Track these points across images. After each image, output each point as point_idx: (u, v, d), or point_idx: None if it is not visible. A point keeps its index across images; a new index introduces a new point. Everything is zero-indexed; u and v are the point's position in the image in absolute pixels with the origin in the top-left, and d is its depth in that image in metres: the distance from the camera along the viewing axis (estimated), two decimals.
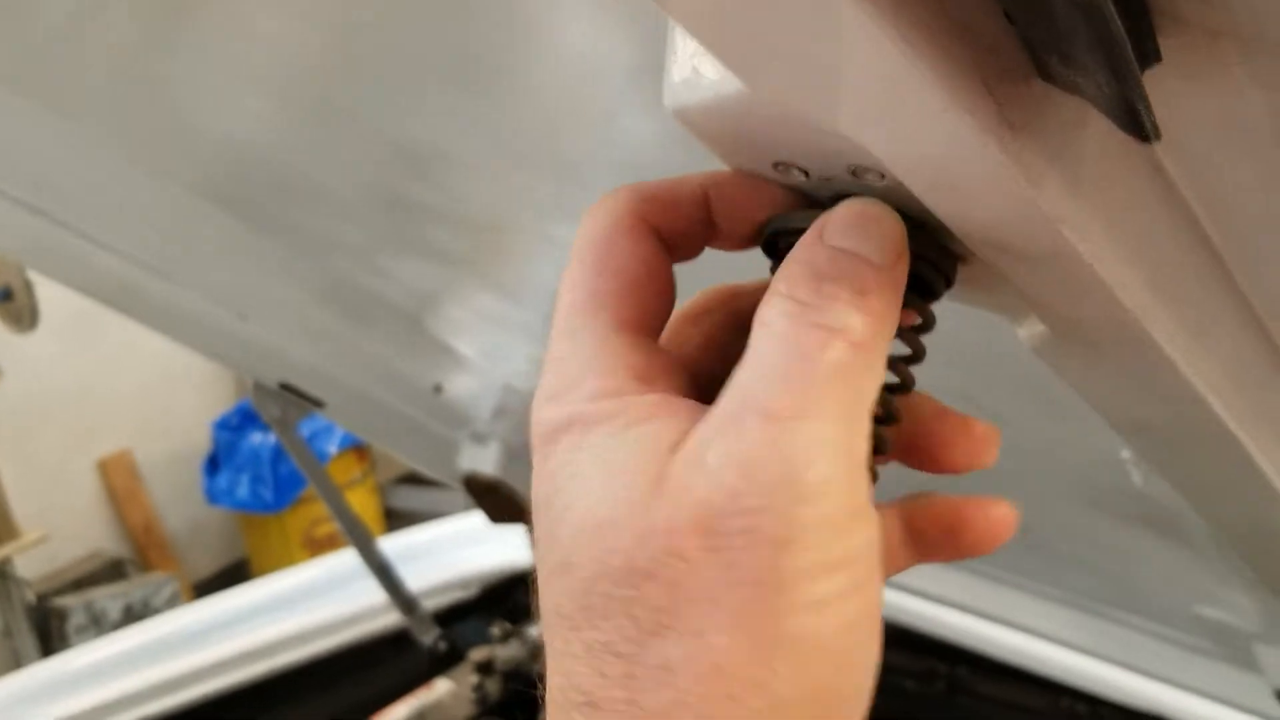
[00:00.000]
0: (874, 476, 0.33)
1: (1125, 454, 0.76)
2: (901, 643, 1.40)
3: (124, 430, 3.68)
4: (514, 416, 1.54)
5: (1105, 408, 0.39)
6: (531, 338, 1.28)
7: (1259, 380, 0.36)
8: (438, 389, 1.50)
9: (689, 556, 0.27)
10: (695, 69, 0.32)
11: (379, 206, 0.99)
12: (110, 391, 3.58)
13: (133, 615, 3.11)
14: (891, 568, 0.35)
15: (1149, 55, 0.24)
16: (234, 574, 3.82)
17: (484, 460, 1.51)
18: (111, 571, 3.44)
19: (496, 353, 1.42)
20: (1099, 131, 0.26)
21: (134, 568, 3.56)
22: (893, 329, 0.31)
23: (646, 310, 0.34)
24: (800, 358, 0.29)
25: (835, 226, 0.32)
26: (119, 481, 3.63)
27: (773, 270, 0.35)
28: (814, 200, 0.35)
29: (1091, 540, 0.95)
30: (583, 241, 0.34)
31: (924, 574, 1.30)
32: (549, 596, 0.30)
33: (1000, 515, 0.35)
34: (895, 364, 0.35)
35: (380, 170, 0.90)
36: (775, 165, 0.33)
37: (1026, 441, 0.81)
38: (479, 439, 1.57)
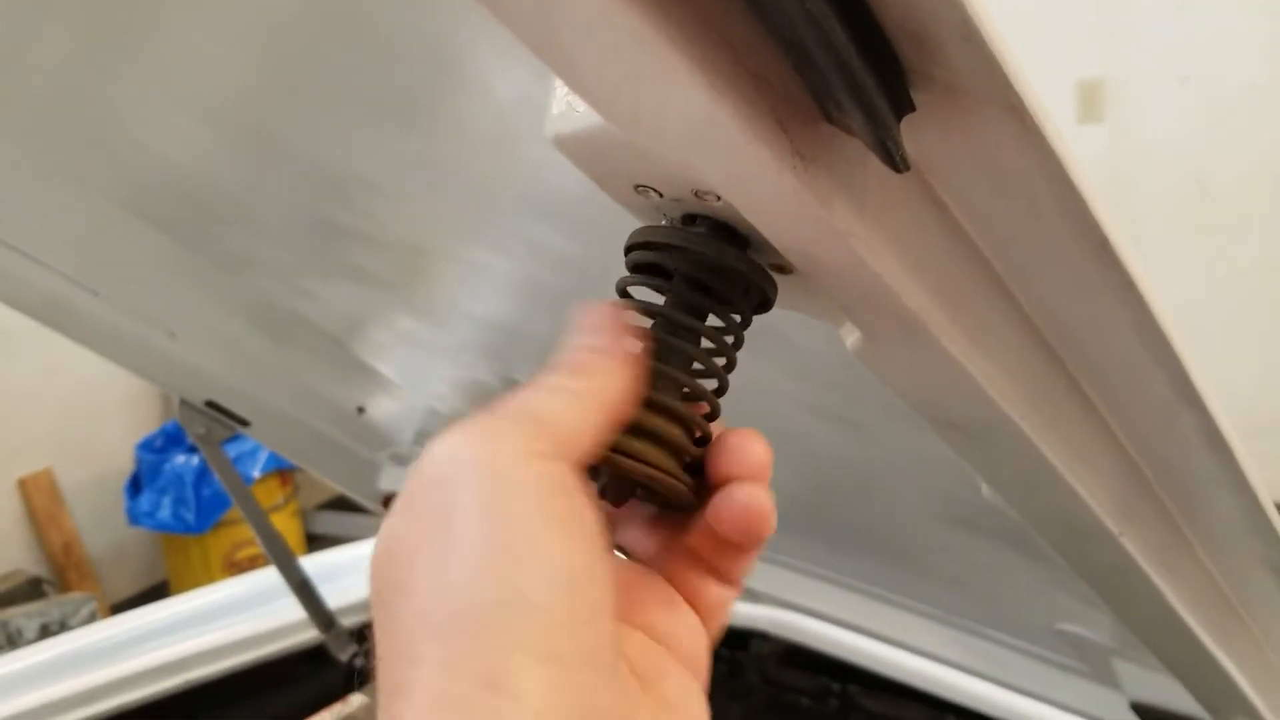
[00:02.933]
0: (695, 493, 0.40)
1: None
2: (796, 661, 1.46)
3: (45, 450, 3.67)
4: None
5: (918, 405, 0.46)
6: (452, 362, 1.32)
7: (1036, 380, 0.43)
8: (360, 410, 1.54)
9: None
10: (570, 104, 0.38)
11: (305, 230, 1.02)
12: (32, 411, 3.57)
13: (49, 634, 3.08)
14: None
15: (903, 105, 0.31)
16: (154, 595, 3.78)
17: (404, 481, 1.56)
18: (29, 591, 3.41)
19: (418, 376, 1.47)
20: (880, 166, 0.33)
21: (52, 588, 3.53)
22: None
23: None
24: None
25: None
26: (39, 501, 3.61)
27: (628, 267, 0.42)
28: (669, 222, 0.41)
29: (961, 558, 1.00)
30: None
31: (816, 594, 1.36)
32: None
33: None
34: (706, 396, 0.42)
35: (306, 195, 0.93)
36: (636, 188, 0.40)
37: (896, 459, 0.88)
38: (401, 460, 1.61)
